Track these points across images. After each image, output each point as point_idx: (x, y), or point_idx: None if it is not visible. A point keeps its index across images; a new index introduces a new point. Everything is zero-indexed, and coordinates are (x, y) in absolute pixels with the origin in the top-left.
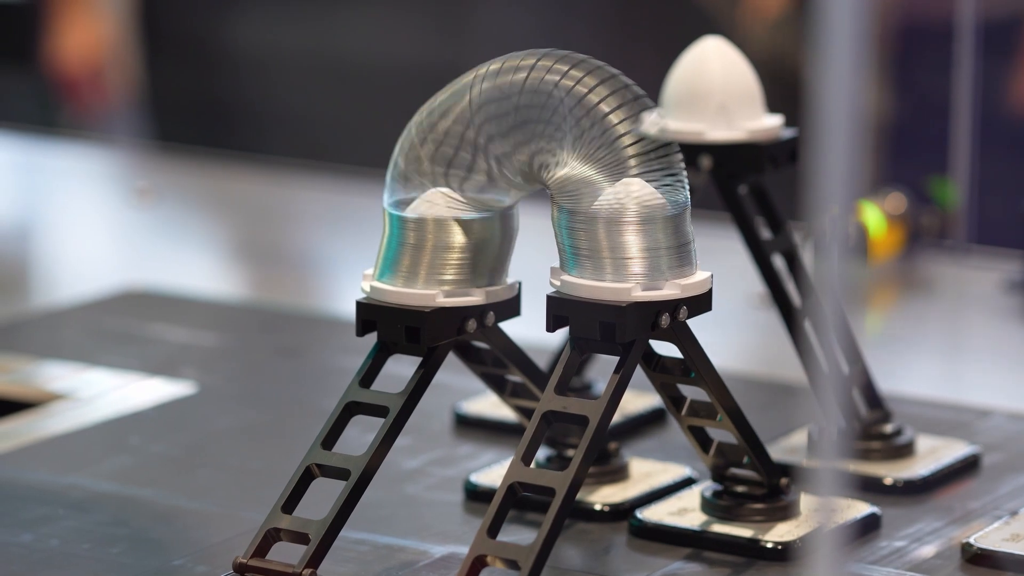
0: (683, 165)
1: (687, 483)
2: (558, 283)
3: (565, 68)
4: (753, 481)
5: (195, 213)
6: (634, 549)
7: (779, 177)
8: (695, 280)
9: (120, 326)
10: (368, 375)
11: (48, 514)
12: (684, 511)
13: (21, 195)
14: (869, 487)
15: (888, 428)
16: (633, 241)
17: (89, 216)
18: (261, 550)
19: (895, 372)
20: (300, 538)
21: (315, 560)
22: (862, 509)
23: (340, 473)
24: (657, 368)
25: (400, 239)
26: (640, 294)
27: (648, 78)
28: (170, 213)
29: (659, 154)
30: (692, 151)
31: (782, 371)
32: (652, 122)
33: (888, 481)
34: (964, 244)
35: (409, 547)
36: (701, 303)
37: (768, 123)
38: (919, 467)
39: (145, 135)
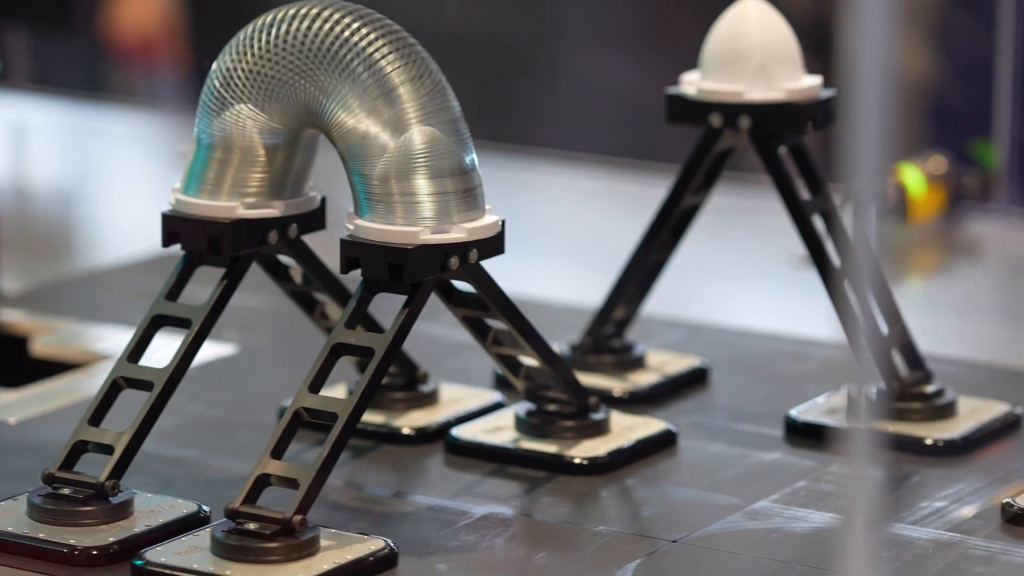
0: (460, 111)
1: (496, 407)
2: (352, 227)
3: (348, 20)
4: (564, 400)
5: None
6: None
7: (814, 138)
8: (483, 224)
9: (160, 287)
10: (174, 289)
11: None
12: (498, 429)
13: (68, 158)
14: (909, 447)
15: (929, 389)
16: (422, 186)
17: (133, 179)
18: (68, 463)
19: (937, 333)
20: (105, 449)
21: (118, 471)
22: (657, 427)
23: (144, 385)
24: (457, 303)
25: (208, 154)
26: (428, 237)
27: (688, 39)
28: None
29: (435, 102)
30: (731, 111)
31: (822, 331)
32: (690, 82)
33: (928, 441)
34: (1006, 206)
35: (450, 507)
36: (492, 246)
37: (807, 83)
38: (959, 427)
39: (190, 99)
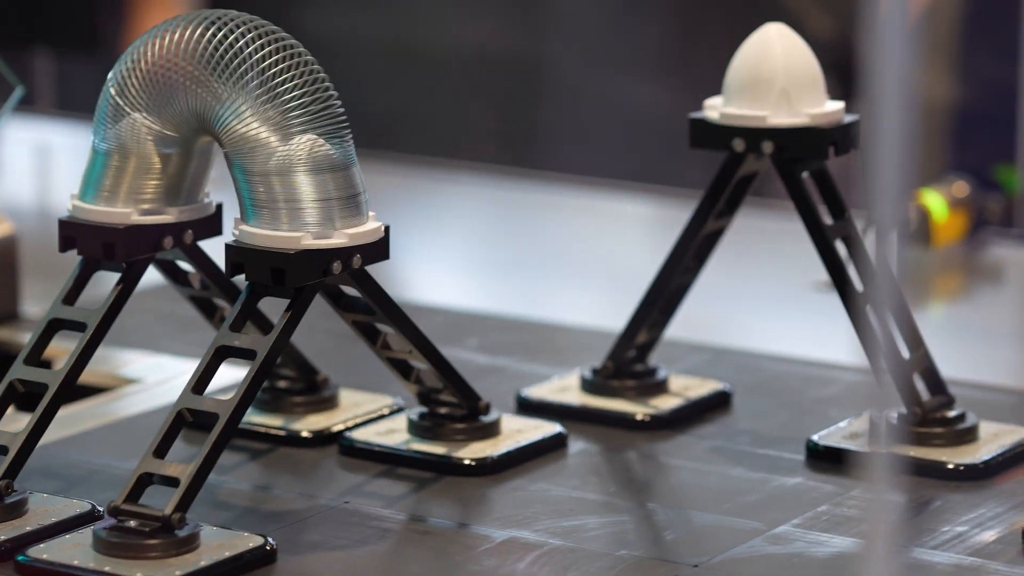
0: (346, 121)
1: (394, 412)
2: (237, 232)
3: (240, 29)
4: (455, 403)
5: None
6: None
7: (836, 164)
8: (365, 229)
9: (186, 312)
10: (71, 293)
11: (114, 497)
12: (391, 431)
13: None
14: (931, 472)
15: (950, 413)
16: (306, 192)
17: None
18: None
19: (959, 357)
20: (1, 450)
21: (12, 471)
22: (548, 430)
23: (39, 387)
24: (345, 307)
25: (105, 161)
26: (310, 242)
27: (712, 64)
28: (234, 198)
29: (323, 111)
30: (754, 136)
31: (845, 356)
32: (713, 106)
33: (950, 466)
34: None
35: (471, 531)
36: (375, 251)
37: (829, 108)
38: (981, 452)
39: None
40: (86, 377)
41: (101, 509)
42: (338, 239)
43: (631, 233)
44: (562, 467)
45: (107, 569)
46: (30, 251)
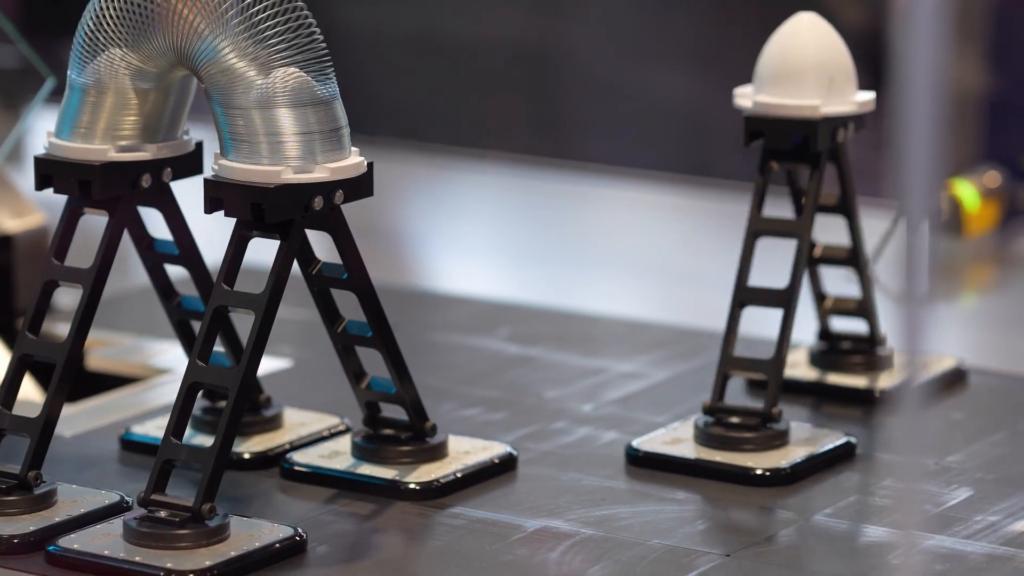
0: (329, 57)
1: (341, 433)
2: (216, 167)
3: None
4: (401, 425)
5: None
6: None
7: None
8: (347, 164)
9: None
10: (61, 245)
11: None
12: (335, 454)
13: None
14: (737, 477)
15: (764, 420)
16: (287, 125)
17: (185, 193)
18: None
19: (990, 347)
20: (22, 427)
21: (37, 460)
22: (497, 451)
23: (48, 359)
24: (314, 272)
25: (81, 98)
26: (290, 176)
27: (744, 53)
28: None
29: (305, 46)
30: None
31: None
32: (743, 94)
33: (758, 471)
34: None
35: (503, 521)
36: (358, 187)
37: (773, 100)
38: (789, 457)
39: None
40: (118, 368)
41: (130, 500)
42: (319, 173)
43: (661, 223)
44: (591, 457)
45: (137, 559)
46: None
